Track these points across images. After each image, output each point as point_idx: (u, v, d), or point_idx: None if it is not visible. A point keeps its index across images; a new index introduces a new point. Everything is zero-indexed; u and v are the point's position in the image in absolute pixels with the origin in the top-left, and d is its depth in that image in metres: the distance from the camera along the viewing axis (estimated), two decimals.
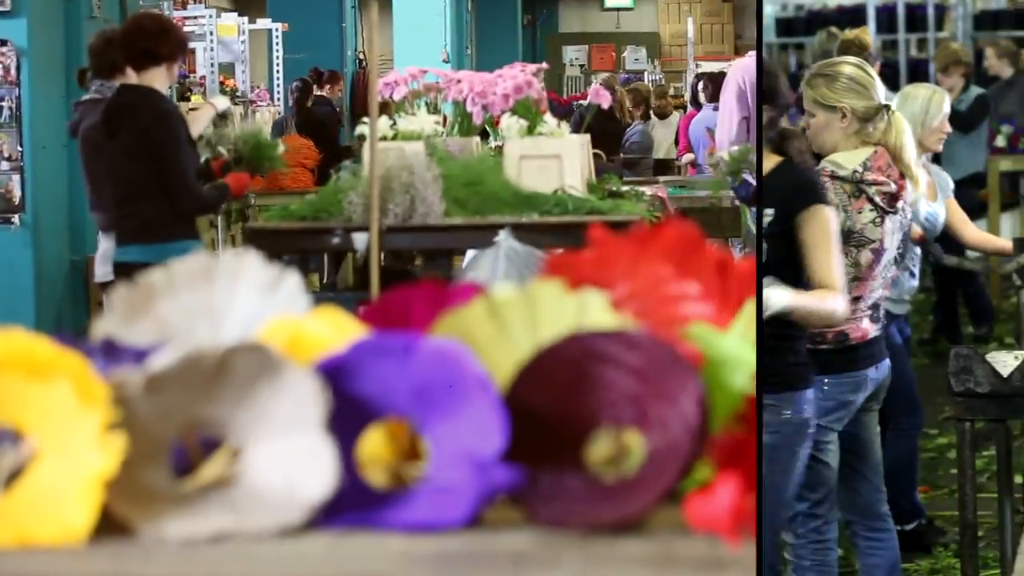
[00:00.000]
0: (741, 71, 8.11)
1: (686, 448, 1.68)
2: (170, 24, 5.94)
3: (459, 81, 6.91)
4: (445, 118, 7.12)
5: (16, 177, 8.31)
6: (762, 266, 4.21)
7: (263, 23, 14.87)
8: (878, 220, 4.57)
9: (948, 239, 6.18)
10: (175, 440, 1.74)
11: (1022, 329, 6.46)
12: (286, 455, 1.73)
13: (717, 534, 1.55)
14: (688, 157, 12.39)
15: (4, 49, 8.26)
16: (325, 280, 8.06)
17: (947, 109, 5.75)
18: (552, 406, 1.79)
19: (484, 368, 1.76)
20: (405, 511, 1.70)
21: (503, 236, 6.26)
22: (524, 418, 1.77)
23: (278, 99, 14.60)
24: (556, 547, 1.62)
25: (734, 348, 1.89)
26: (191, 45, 12.01)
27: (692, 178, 10.90)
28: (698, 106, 12.56)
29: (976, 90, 9.81)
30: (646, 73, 22.87)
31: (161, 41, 5.81)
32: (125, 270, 5.54)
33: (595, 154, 7.80)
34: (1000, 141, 10.58)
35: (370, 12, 4.13)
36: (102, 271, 6.29)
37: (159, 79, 5.85)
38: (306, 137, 10.90)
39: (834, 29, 9.47)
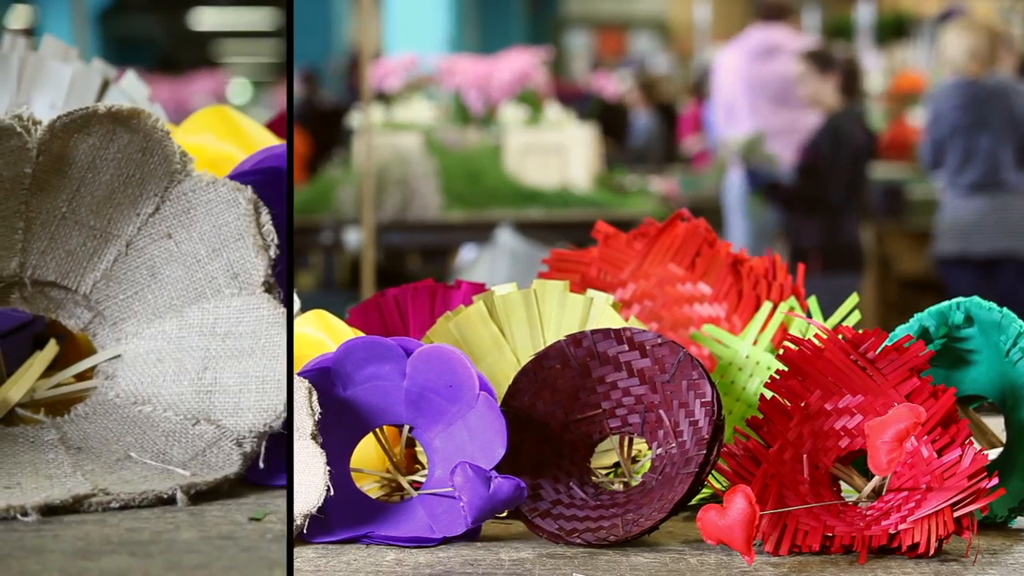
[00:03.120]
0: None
1: (697, 457, 1.69)
2: None
3: (455, 70, 6.92)
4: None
5: None
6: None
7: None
8: None
9: None
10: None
11: None
12: None
13: (732, 549, 1.56)
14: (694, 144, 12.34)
15: None
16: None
17: None
18: (555, 413, 1.79)
19: (484, 372, 1.77)
20: (401, 524, 1.71)
21: (504, 233, 6.29)
22: (526, 425, 1.78)
23: None
24: (559, 562, 1.63)
25: (748, 351, 1.90)
26: None
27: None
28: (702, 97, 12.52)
29: None
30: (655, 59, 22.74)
31: None
32: None
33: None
34: None
35: None
36: None
37: None
38: (312, 129, 10.93)
39: None
